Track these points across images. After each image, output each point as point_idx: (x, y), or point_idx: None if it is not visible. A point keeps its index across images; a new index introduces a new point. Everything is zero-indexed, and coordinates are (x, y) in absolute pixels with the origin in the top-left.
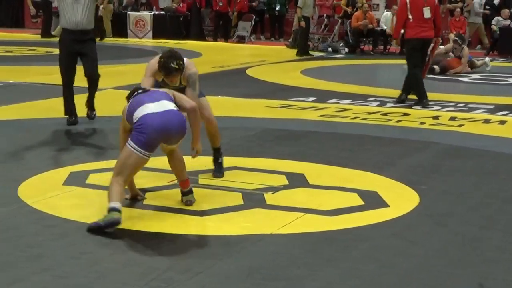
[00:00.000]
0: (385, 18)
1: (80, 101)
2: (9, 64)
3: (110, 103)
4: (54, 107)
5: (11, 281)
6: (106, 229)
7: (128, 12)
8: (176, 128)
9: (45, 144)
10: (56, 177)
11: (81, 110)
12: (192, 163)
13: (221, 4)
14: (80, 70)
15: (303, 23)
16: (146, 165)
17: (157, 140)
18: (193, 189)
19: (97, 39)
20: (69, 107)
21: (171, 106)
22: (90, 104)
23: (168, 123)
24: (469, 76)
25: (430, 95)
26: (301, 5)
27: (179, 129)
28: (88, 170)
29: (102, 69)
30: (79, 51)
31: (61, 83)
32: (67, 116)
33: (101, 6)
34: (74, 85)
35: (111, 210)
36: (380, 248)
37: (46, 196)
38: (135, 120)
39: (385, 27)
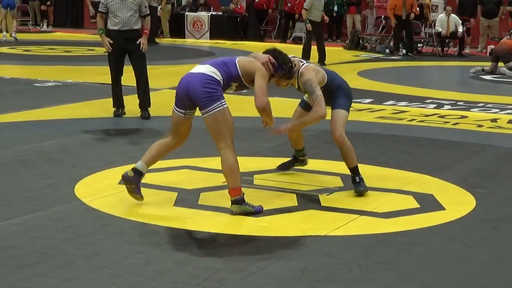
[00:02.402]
0: (440, 21)
1: (134, 101)
2: (68, 64)
3: (166, 103)
4: (110, 107)
5: (69, 278)
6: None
7: (186, 13)
8: (190, 90)
9: (101, 143)
10: (113, 176)
11: (136, 110)
12: (247, 164)
13: (289, 4)
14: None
15: (309, 26)
16: (201, 165)
17: (180, 97)
18: (249, 189)
19: (157, 39)
20: (117, 100)
21: (203, 69)
22: (143, 104)
23: (185, 83)
24: None
25: (488, 98)
26: (308, 7)
27: (191, 91)
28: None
29: (159, 69)
30: (127, 48)
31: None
32: (114, 109)
33: (159, 7)
34: (128, 85)
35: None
36: (437, 252)
37: (102, 195)
38: None
39: (440, 29)
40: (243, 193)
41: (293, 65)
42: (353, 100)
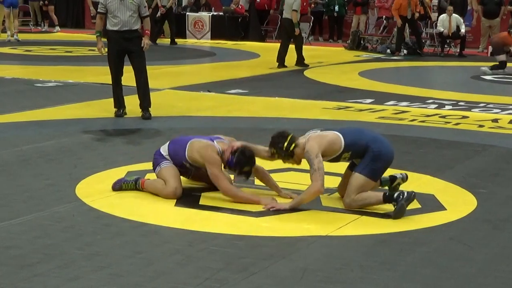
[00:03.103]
0: (442, 21)
1: (134, 101)
2: (69, 64)
3: (167, 103)
4: (111, 107)
5: (70, 278)
6: None
7: (187, 13)
8: None
9: (102, 143)
10: (114, 176)
11: (137, 111)
12: None
13: None
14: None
15: (298, 30)
16: None
17: None
18: (249, 189)
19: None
20: (118, 100)
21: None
22: (144, 104)
23: None
24: None
25: (489, 98)
26: (297, 7)
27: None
28: (145, 170)
29: (160, 69)
30: (126, 48)
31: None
32: (115, 109)
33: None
34: (129, 85)
35: None
36: (438, 252)
37: (103, 195)
38: None
39: (442, 29)
40: None
41: (289, 149)
42: (354, 100)
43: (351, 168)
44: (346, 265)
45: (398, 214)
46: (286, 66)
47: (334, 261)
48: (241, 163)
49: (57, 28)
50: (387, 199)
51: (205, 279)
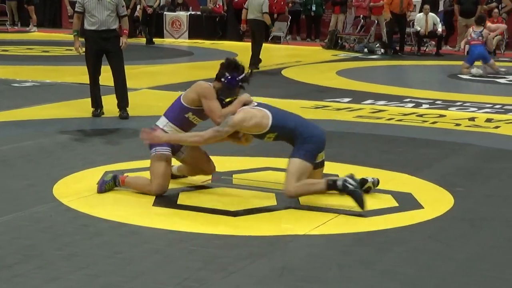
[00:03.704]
0: (418, 19)
1: (112, 101)
2: (46, 64)
3: (145, 103)
4: (88, 107)
5: (49, 279)
6: None
7: (165, 12)
8: None
9: (79, 143)
10: (91, 176)
11: (115, 110)
12: (227, 164)
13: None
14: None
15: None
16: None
17: None
18: (227, 189)
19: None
20: (95, 100)
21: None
22: (121, 104)
23: None
24: (506, 78)
25: (466, 97)
26: (267, 9)
27: None
28: (122, 170)
29: (138, 69)
30: (104, 48)
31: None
32: (93, 109)
33: (138, 7)
34: (106, 85)
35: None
36: (416, 251)
37: (81, 195)
38: None
39: (418, 28)
40: None
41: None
42: (332, 100)
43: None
44: (325, 264)
45: (362, 202)
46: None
47: (312, 260)
48: (238, 67)
49: (34, 28)
50: (331, 186)
51: (184, 279)
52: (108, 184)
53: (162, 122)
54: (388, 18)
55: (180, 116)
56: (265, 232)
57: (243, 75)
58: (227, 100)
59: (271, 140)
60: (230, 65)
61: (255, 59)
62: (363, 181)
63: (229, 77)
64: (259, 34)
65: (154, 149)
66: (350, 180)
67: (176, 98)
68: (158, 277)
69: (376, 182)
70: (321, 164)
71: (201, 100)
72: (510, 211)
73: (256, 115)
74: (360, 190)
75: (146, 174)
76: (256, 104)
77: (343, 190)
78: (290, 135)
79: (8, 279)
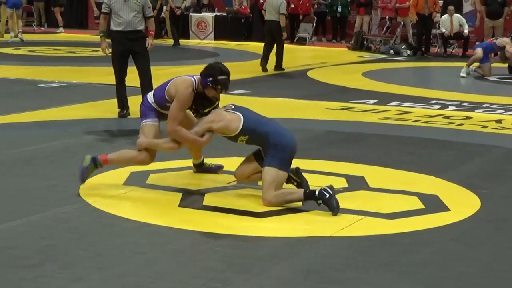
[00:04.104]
0: (443, 21)
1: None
2: (73, 64)
3: None
4: (114, 108)
5: (74, 279)
6: None
7: (190, 14)
8: None
9: (105, 144)
10: (117, 176)
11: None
12: None
13: (292, 5)
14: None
15: (285, 35)
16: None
17: None
18: (252, 190)
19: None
20: (121, 101)
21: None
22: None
23: None
24: None
25: (493, 99)
26: (285, 11)
27: None
28: (148, 170)
29: (163, 70)
30: (130, 49)
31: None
32: (119, 110)
33: (164, 8)
34: (132, 86)
35: None
36: (440, 253)
37: (107, 196)
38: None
39: (443, 30)
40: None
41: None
42: (357, 101)
43: (255, 156)
44: (349, 266)
45: (336, 209)
46: (267, 70)
47: (337, 262)
48: (215, 69)
49: (61, 29)
50: (308, 196)
51: (208, 279)
52: (89, 169)
53: (150, 97)
54: (415, 20)
55: (163, 102)
56: (289, 234)
57: (215, 77)
58: (206, 110)
59: (244, 143)
60: (209, 68)
61: (279, 62)
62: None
63: (204, 79)
64: (281, 35)
65: (144, 120)
66: (328, 189)
67: (169, 79)
68: (182, 277)
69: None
70: None
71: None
72: None
73: (225, 118)
74: (335, 198)
75: (170, 176)
76: (233, 107)
77: (320, 198)
78: (261, 140)
79: (33, 279)
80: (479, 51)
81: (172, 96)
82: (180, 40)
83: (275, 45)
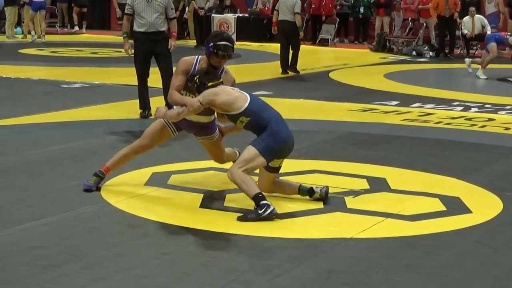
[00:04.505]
0: (465, 22)
1: (160, 102)
2: (95, 65)
3: None
4: (136, 109)
5: (95, 279)
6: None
7: (212, 15)
8: None
9: (127, 144)
10: (139, 177)
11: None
12: None
13: (313, 6)
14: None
15: (302, 34)
16: (227, 167)
17: None
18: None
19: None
20: (143, 101)
21: None
22: (169, 106)
23: None
24: None
25: None
26: (300, 10)
27: None
28: (170, 171)
29: None
30: (153, 50)
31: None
32: (141, 110)
33: (187, 8)
34: (155, 87)
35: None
36: (463, 255)
37: (128, 196)
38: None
39: (465, 31)
40: None
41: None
42: (379, 102)
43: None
44: (371, 267)
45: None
46: (288, 73)
47: (358, 264)
48: (217, 35)
49: (76, 28)
50: (256, 199)
51: (230, 280)
52: (92, 180)
53: None
54: (435, 22)
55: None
56: (311, 235)
57: (215, 42)
58: (210, 84)
59: (243, 126)
60: (210, 35)
61: (295, 63)
62: (311, 191)
63: (206, 46)
64: (295, 36)
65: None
66: (265, 206)
67: None
68: (204, 278)
69: (325, 192)
70: (276, 170)
71: None
72: None
73: (231, 94)
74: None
75: (192, 176)
76: (237, 89)
77: (257, 207)
78: (261, 126)
79: (55, 279)
80: (494, 49)
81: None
82: (199, 41)
83: (290, 46)
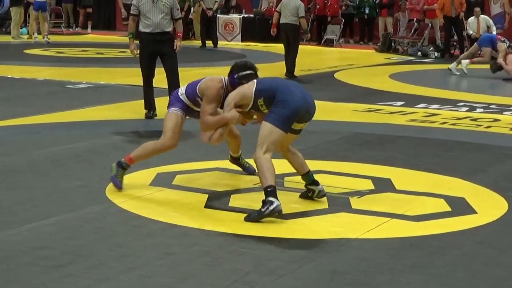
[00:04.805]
0: (470, 22)
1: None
2: (100, 65)
3: None
4: (142, 109)
5: (100, 279)
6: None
7: (218, 15)
8: None
9: (132, 145)
10: (143, 177)
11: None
12: (279, 166)
13: (318, 6)
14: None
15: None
16: (232, 167)
17: None
18: (280, 192)
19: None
20: (148, 102)
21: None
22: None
23: None
24: None
25: None
26: (304, 13)
27: None
28: (174, 172)
29: (191, 71)
30: (158, 50)
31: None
32: (146, 111)
33: (192, 9)
34: (160, 87)
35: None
36: (468, 256)
37: (133, 197)
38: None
39: (471, 32)
40: None
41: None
42: (384, 103)
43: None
44: (375, 268)
45: (252, 217)
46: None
47: (363, 264)
48: (240, 67)
49: (77, 28)
50: (266, 193)
51: (233, 281)
52: (119, 175)
53: (182, 90)
54: (441, 23)
55: (193, 96)
56: (315, 236)
57: (242, 73)
58: (241, 74)
59: (265, 109)
60: (234, 66)
61: (292, 67)
62: (315, 183)
63: (231, 77)
64: (296, 39)
65: (168, 109)
66: (273, 203)
67: (202, 77)
68: (208, 279)
69: (321, 194)
70: (296, 132)
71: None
72: None
73: (243, 87)
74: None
75: (197, 177)
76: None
77: (265, 203)
78: (272, 99)
79: (60, 279)
80: (488, 54)
81: (203, 92)
82: (207, 42)
83: (287, 48)
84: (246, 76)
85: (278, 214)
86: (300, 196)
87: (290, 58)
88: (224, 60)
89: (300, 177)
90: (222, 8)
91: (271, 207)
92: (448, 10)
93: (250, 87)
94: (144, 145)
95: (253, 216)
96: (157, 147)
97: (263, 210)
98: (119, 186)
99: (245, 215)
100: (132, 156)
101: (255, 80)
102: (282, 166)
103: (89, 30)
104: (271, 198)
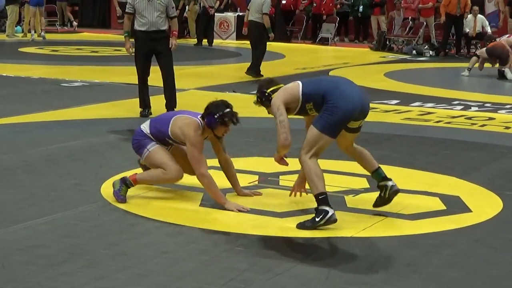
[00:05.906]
0: (467, 21)
1: (160, 101)
2: (95, 64)
3: (193, 103)
4: (137, 107)
5: (96, 278)
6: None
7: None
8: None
9: (127, 143)
10: None
11: (163, 111)
12: (274, 165)
13: (314, 4)
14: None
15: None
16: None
17: None
18: (274, 191)
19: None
20: (144, 100)
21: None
22: (170, 104)
23: None
24: None
25: None
26: (268, 10)
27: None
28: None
29: (186, 69)
30: (154, 49)
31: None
32: (141, 109)
33: (187, 7)
34: (155, 86)
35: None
36: (463, 254)
37: (128, 195)
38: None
39: (467, 30)
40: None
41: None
42: (379, 101)
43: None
44: (371, 266)
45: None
46: (262, 75)
47: (359, 263)
48: (218, 106)
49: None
50: (318, 201)
51: (229, 279)
52: (122, 191)
53: (145, 129)
54: (442, 20)
55: (162, 137)
56: (311, 234)
57: (222, 112)
58: (269, 90)
59: (313, 113)
60: (209, 107)
61: (254, 67)
62: (385, 179)
63: (209, 118)
64: (259, 38)
65: (145, 149)
66: (328, 213)
67: (170, 115)
68: (204, 277)
69: (393, 190)
70: (355, 130)
71: (186, 144)
72: None
73: (288, 87)
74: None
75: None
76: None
77: (319, 213)
78: (321, 101)
79: (55, 277)
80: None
81: (177, 136)
82: (201, 40)
83: (256, 47)
84: (228, 114)
85: (333, 223)
86: (374, 206)
87: (253, 57)
88: (219, 59)
89: (295, 176)
90: (218, 7)
91: (327, 217)
92: (453, 8)
93: (295, 88)
94: (152, 170)
95: (307, 226)
96: (165, 177)
97: (317, 219)
98: (124, 201)
99: (240, 213)
100: (137, 178)
101: (298, 82)
102: (276, 165)
103: (75, 27)
104: (325, 207)
